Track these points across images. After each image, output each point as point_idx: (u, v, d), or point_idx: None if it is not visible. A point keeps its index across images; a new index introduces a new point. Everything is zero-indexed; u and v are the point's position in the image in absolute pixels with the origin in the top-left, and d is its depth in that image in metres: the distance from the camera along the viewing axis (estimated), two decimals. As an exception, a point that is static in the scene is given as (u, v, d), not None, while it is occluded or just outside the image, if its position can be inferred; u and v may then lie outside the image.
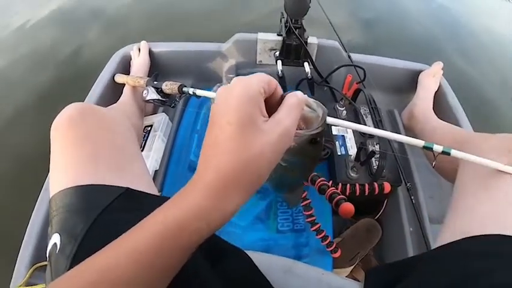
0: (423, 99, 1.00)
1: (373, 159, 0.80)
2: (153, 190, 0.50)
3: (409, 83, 1.08)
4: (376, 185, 0.73)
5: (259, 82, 0.27)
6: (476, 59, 2.43)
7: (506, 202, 0.48)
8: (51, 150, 0.47)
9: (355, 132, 0.88)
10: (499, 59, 2.51)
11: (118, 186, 0.43)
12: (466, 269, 0.42)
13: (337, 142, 0.85)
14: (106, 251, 0.26)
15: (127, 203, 0.42)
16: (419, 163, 0.95)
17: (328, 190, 0.63)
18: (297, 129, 0.32)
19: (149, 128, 0.93)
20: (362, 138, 0.85)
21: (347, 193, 0.72)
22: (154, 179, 0.86)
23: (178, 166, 0.90)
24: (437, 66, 1.07)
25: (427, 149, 0.51)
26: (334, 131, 0.88)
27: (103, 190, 0.42)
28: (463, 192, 0.55)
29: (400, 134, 0.94)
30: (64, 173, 0.43)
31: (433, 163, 0.53)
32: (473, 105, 1.73)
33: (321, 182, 0.65)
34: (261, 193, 0.85)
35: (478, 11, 3.75)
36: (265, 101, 0.28)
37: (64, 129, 0.46)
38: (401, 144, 0.93)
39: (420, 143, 0.51)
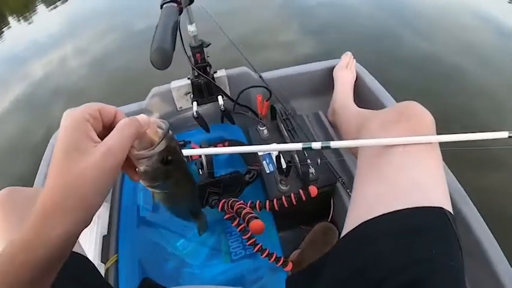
0: (340, 93, 1.03)
1: (299, 167, 0.83)
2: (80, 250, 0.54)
3: (329, 82, 1.12)
4: (301, 192, 0.76)
5: (84, 110, 0.29)
6: (432, 34, 2.53)
7: (395, 174, 0.49)
8: None
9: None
10: (452, 27, 2.63)
11: None
12: (363, 254, 0.44)
13: (264, 161, 0.89)
14: None
15: None
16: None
17: (243, 212, 0.66)
18: (140, 151, 0.32)
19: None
20: (284, 152, 0.89)
21: (276, 208, 0.75)
22: (106, 243, 0.88)
23: (127, 225, 0.91)
24: (346, 57, 1.12)
25: (310, 149, 0.54)
26: (260, 151, 0.91)
27: None
28: (358, 178, 0.56)
29: (330, 134, 1.00)
30: None
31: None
32: (441, 74, 1.84)
33: (238, 206, 0.68)
34: (208, 230, 0.87)
35: None
36: (107, 128, 0.30)
37: None
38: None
39: (298, 146, 0.54)
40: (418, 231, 0.43)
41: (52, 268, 0.27)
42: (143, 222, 0.91)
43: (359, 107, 0.91)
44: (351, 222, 0.50)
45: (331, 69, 1.13)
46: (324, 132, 1.03)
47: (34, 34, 7.55)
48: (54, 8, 9.96)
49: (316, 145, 0.54)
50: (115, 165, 0.28)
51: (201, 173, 0.85)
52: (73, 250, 0.52)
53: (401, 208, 0.44)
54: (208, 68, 0.98)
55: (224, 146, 0.93)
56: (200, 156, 0.83)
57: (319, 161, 0.85)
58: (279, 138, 0.95)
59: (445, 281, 0.38)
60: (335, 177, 0.85)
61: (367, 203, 0.50)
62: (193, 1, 0.81)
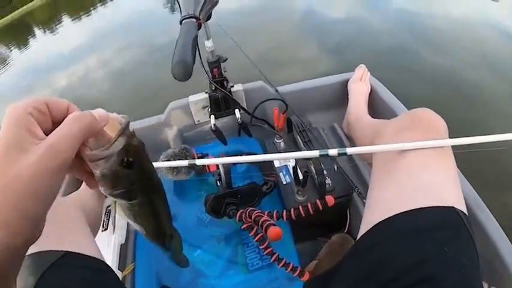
0: (355, 106, 1.05)
1: (316, 177, 0.84)
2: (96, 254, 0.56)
3: (343, 95, 1.14)
4: (318, 202, 0.77)
5: (27, 103, 0.25)
6: (449, 48, 2.51)
7: (407, 178, 0.50)
8: None
9: (297, 160, 0.93)
10: (469, 42, 2.60)
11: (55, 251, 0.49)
12: (376, 256, 0.45)
13: (281, 173, 0.91)
14: None
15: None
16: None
17: (261, 220, 0.67)
18: (94, 151, 0.28)
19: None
20: (300, 162, 0.90)
21: (293, 217, 0.76)
22: (123, 251, 0.91)
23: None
24: (360, 70, 1.13)
25: (326, 156, 0.56)
26: (276, 163, 0.93)
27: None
28: (372, 184, 0.57)
29: (345, 146, 1.01)
30: None
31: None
32: (457, 88, 1.84)
33: (256, 214, 0.70)
34: (224, 240, 0.89)
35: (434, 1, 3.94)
36: (57, 124, 0.26)
37: None
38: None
39: (315, 153, 0.56)
40: (430, 230, 0.43)
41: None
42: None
43: (373, 118, 0.92)
44: (364, 226, 0.51)
45: (345, 82, 1.14)
46: (340, 144, 1.05)
47: (58, 45, 7.89)
48: (79, 20, 10.36)
49: (333, 152, 0.55)
50: (58, 166, 0.24)
51: (218, 184, 0.88)
52: (98, 258, 0.55)
53: (413, 208, 0.45)
54: (225, 83, 1.01)
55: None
56: (218, 168, 0.86)
57: (335, 167, 0.86)
58: (296, 150, 0.97)
59: (457, 277, 0.39)
60: (351, 187, 0.85)
61: (380, 206, 0.51)
62: (210, 17, 0.84)
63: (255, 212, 0.72)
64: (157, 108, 1.16)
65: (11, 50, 11.01)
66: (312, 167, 0.82)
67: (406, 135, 0.54)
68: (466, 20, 3.16)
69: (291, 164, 0.92)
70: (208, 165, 0.96)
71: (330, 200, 0.77)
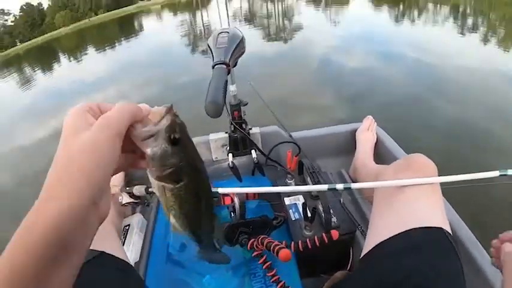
0: (362, 153, 1.16)
1: (322, 215, 0.92)
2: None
3: (352, 143, 1.25)
4: (324, 235, 0.84)
5: (83, 104, 0.31)
6: (460, 99, 2.68)
7: (403, 207, 0.62)
8: None
9: (306, 198, 1.02)
10: (481, 92, 2.76)
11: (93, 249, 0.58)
12: (370, 276, 0.55)
13: (290, 210, 0.99)
14: None
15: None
16: None
17: (272, 245, 0.76)
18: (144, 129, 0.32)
19: (127, 227, 1.06)
20: (309, 202, 0.99)
21: (301, 249, 0.83)
22: (136, 268, 0.96)
23: (157, 258, 1.00)
24: (368, 120, 1.26)
25: (334, 190, 0.66)
26: (287, 201, 1.02)
27: None
28: (373, 215, 0.69)
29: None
30: None
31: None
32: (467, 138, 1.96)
33: (268, 241, 0.78)
34: (232, 270, 0.95)
35: (446, 54, 4.15)
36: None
37: None
38: (351, 195, 1.08)
39: (324, 187, 0.66)
40: (419, 247, 0.54)
41: (57, 258, 0.26)
42: (171, 258, 0.99)
43: (378, 164, 1.03)
44: (366, 248, 0.61)
45: (354, 131, 1.26)
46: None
47: (81, 73, 8.26)
48: (103, 51, 10.85)
49: (339, 186, 0.66)
50: (111, 137, 0.29)
51: (232, 215, 0.96)
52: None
53: (408, 229, 0.56)
54: (244, 125, 1.12)
55: (255, 195, 1.04)
56: (232, 201, 0.94)
57: (341, 200, 0.94)
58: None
59: (446, 286, 0.47)
60: (355, 225, 0.93)
61: (380, 230, 0.62)
62: (236, 64, 0.96)
63: (267, 239, 0.79)
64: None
65: (35, 72, 11.55)
66: (320, 206, 0.91)
67: (403, 174, 0.67)
68: (477, 70, 3.31)
69: (300, 202, 1.00)
70: (223, 198, 1.05)
71: (334, 233, 0.84)
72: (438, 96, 2.75)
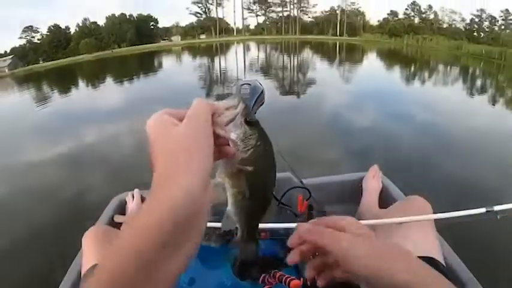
0: (367, 200, 1.26)
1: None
2: None
3: (358, 190, 1.34)
4: None
5: (160, 112, 0.33)
6: (466, 158, 2.80)
7: (402, 239, 0.72)
8: (83, 249, 0.74)
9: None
10: (487, 152, 2.87)
11: None
12: None
13: (299, 250, 1.06)
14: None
15: None
16: None
17: (284, 277, 0.83)
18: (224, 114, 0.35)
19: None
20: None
21: (308, 284, 0.89)
22: None
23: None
24: (373, 170, 1.36)
25: None
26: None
27: None
28: None
29: None
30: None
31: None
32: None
33: (279, 274, 0.85)
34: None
35: (454, 114, 4.29)
36: None
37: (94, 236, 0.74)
38: None
39: None
40: None
41: (181, 233, 0.27)
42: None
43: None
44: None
45: (360, 180, 1.36)
46: None
47: (97, 100, 8.45)
48: (121, 84, 11.17)
49: None
50: (203, 123, 0.31)
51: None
52: None
53: None
54: None
55: (266, 234, 1.10)
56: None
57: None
58: None
59: None
60: None
61: None
62: (255, 113, 1.06)
63: (278, 273, 0.86)
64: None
65: (53, 92, 11.83)
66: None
67: (403, 213, 0.79)
68: (484, 130, 3.39)
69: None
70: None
71: None
72: (444, 154, 2.83)
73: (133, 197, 1.28)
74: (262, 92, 1.11)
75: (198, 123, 0.31)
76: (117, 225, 1.13)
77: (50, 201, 2.53)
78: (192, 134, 0.30)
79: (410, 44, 28.84)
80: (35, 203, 2.54)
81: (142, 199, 1.27)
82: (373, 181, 1.33)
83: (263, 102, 1.12)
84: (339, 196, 1.37)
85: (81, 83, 14.48)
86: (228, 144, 0.35)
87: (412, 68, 13.09)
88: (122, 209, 1.26)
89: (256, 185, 0.39)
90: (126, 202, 1.29)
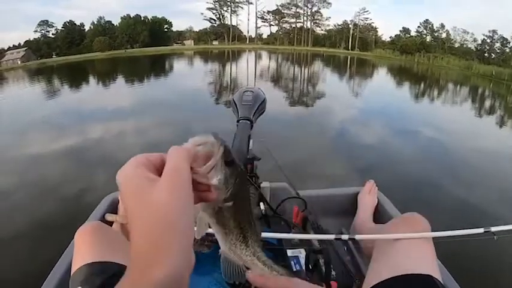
0: (362, 214, 1.26)
1: (322, 267, 0.98)
2: None
3: (354, 204, 1.35)
4: (324, 285, 0.90)
5: (133, 160, 0.31)
6: (470, 181, 2.76)
7: (400, 256, 0.72)
8: (75, 244, 0.75)
9: (307, 251, 1.08)
10: (492, 176, 2.85)
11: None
12: None
13: (292, 261, 1.05)
14: None
15: None
16: None
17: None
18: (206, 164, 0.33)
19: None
20: (312, 255, 1.05)
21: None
22: None
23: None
24: (369, 184, 1.37)
25: (340, 240, 0.81)
26: (289, 252, 1.08)
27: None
28: (373, 262, 0.79)
29: (350, 248, 1.16)
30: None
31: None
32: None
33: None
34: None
35: (461, 134, 4.26)
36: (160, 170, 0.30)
37: (88, 233, 0.74)
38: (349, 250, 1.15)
39: (331, 236, 0.75)
40: None
41: None
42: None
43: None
44: (364, 286, 0.71)
45: (356, 194, 1.37)
46: (345, 246, 1.20)
47: (105, 98, 8.52)
48: (131, 84, 11.26)
49: (345, 236, 0.75)
50: (184, 181, 0.29)
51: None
52: None
53: (402, 274, 0.65)
54: (254, 178, 1.22)
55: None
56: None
57: (340, 254, 1.01)
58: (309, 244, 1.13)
59: None
60: (352, 278, 0.99)
61: (377, 274, 0.71)
62: (256, 121, 1.08)
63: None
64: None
65: (63, 86, 11.93)
66: (321, 260, 0.98)
67: (401, 229, 0.79)
68: (490, 152, 3.34)
69: (302, 254, 1.07)
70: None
71: (333, 284, 0.90)
72: (447, 174, 2.81)
73: None
74: (264, 100, 1.11)
75: (179, 184, 0.29)
76: (109, 224, 1.13)
77: (42, 196, 2.58)
78: (174, 204, 0.28)
79: (421, 62, 28.84)
80: (32, 196, 2.59)
81: None
82: (369, 196, 1.34)
83: (264, 111, 1.12)
84: (334, 209, 1.38)
85: (92, 80, 14.67)
86: (209, 190, 0.34)
87: (422, 86, 13.06)
88: (114, 208, 1.25)
89: (239, 214, 0.39)
90: (118, 201, 1.28)
